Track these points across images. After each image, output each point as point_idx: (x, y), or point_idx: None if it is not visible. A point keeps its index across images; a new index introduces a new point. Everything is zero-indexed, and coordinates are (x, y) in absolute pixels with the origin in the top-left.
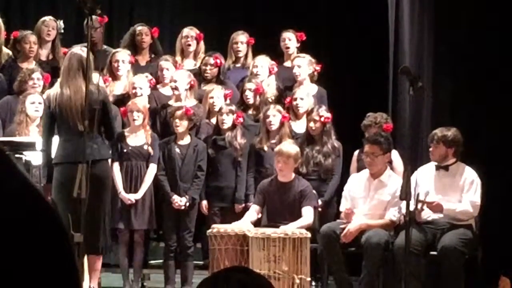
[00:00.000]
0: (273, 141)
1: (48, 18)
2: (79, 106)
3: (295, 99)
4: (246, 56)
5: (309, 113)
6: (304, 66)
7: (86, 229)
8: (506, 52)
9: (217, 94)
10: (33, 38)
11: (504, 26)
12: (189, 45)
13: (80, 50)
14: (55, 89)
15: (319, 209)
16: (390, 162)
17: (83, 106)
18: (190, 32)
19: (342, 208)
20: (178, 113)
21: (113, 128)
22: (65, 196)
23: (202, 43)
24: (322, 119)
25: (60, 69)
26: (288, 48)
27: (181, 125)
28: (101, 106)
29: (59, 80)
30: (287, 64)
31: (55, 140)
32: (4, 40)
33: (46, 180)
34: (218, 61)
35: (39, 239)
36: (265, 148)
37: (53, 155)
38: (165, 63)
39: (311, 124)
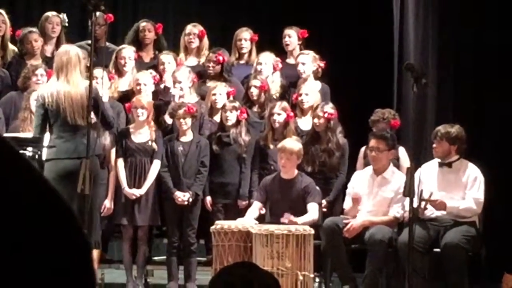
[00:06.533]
0: (278, 139)
1: (51, 14)
2: (79, 101)
3: (300, 95)
4: (250, 52)
5: (314, 109)
6: (308, 63)
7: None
8: (510, 49)
9: (219, 91)
10: (34, 36)
11: (508, 23)
12: (191, 42)
13: (71, 46)
14: (49, 87)
15: (324, 209)
16: (397, 159)
17: (84, 101)
18: (193, 29)
19: (346, 205)
20: (181, 112)
21: (108, 117)
22: (69, 191)
23: (206, 40)
24: (326, 115)
25: None
26: (288, 45)
27: (185, 123)
28: (93, 103)
29: (52, 77)
30: (290, 61)
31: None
32: (10, 37)
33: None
34: (221, 58)
35: (58, 238)
36: (270, 145)
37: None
38: (166, 57)
39: (315, 120)
